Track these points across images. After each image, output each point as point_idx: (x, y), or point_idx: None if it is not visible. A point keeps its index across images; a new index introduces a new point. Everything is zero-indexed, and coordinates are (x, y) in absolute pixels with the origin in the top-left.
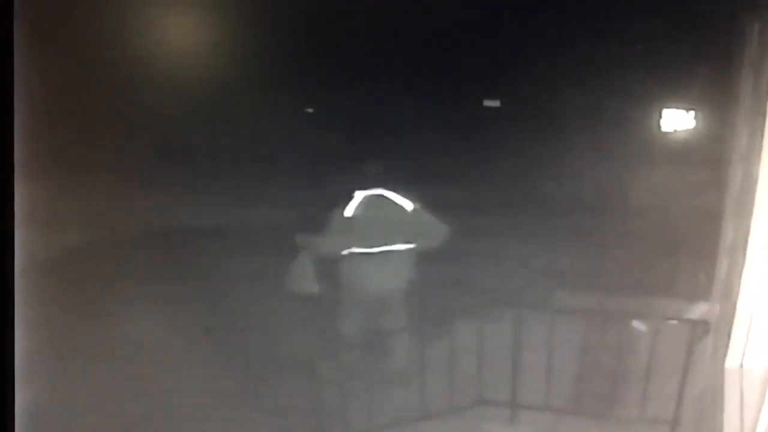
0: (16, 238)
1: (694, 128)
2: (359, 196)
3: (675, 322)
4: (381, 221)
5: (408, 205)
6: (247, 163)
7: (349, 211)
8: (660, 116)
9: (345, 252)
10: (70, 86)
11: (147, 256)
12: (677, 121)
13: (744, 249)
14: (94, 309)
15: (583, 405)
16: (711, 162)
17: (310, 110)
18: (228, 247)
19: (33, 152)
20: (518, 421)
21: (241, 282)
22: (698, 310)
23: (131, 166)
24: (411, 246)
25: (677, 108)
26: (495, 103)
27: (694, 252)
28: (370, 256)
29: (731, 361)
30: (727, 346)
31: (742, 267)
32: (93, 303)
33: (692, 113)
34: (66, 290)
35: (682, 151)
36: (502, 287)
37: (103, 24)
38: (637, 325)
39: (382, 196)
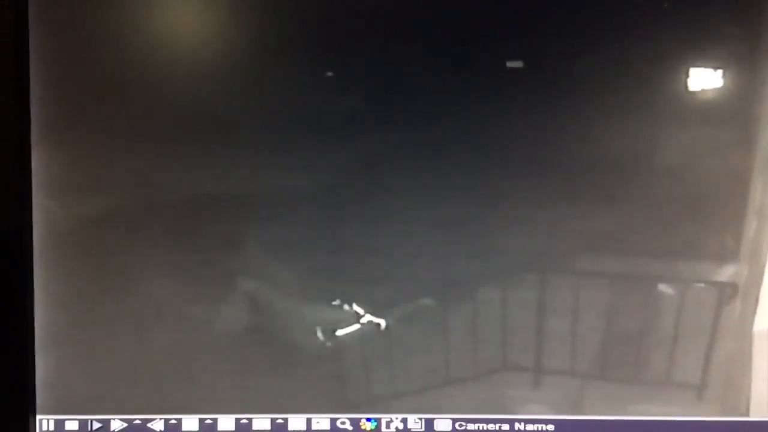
0: (33, 207)
1: (722, 87)
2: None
3: (702, 285)
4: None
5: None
6: (269, 128)
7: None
8: (687, 75)
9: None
10: (87, 52)
11: (168, 224)
12: (705, 80)
13: None
14: (114, 278)
15: (608, 370)
16: (739, 121)
17: (330, 74)
18: (253, 214)
19: (50, 119)
20: (543, 386)
21: (265, 249)
22: (726, 273)
23: (150, 132)
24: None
25: (705, 67)
26: (518, 64)
27: (721, 213)
28: None
29: (760, 324)
30: (755, 309)
31: None
32: (113, 272)
33: (720, 72)
34: (85, 259)
35: (709, 111)
36: (526, 251)
37: None
38: (664, 288)
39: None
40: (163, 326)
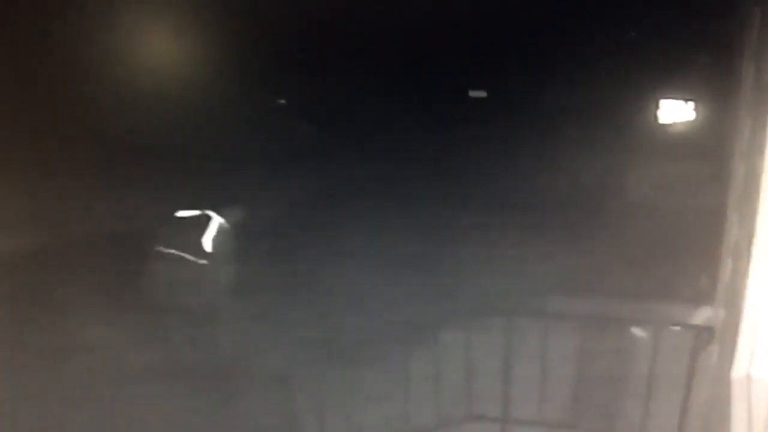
0: None
1: (694, 121)
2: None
3: (677, 328)
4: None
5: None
6: (209, 158)
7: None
8: (657, 108)
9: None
10: (18, 85)
11: (91, 261)
12: (676, 113)
13: (749, 249)
14: (31, 317)
15: (579, 419)
16: (712, 157)
17: (283, 101)
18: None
19: None
20: None
21: (208, 289)
22: (702, 316)
23: (75, 166)
24: None
25: (676, 99)
26: (481, 94)
27: (696, 253)
28: None
29: (738, 371)
30: (733, 354)
31: (748, 268)
32: (32, 310)
33: (692, 105)
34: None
35: (681, 146)
36: (492, 292)
37: (50, 17)
38: (637, 331)
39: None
40: (86, 369)
